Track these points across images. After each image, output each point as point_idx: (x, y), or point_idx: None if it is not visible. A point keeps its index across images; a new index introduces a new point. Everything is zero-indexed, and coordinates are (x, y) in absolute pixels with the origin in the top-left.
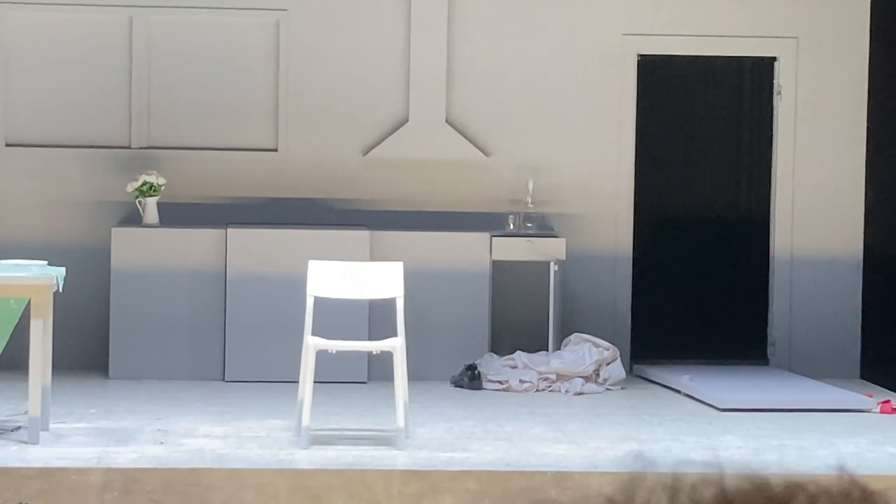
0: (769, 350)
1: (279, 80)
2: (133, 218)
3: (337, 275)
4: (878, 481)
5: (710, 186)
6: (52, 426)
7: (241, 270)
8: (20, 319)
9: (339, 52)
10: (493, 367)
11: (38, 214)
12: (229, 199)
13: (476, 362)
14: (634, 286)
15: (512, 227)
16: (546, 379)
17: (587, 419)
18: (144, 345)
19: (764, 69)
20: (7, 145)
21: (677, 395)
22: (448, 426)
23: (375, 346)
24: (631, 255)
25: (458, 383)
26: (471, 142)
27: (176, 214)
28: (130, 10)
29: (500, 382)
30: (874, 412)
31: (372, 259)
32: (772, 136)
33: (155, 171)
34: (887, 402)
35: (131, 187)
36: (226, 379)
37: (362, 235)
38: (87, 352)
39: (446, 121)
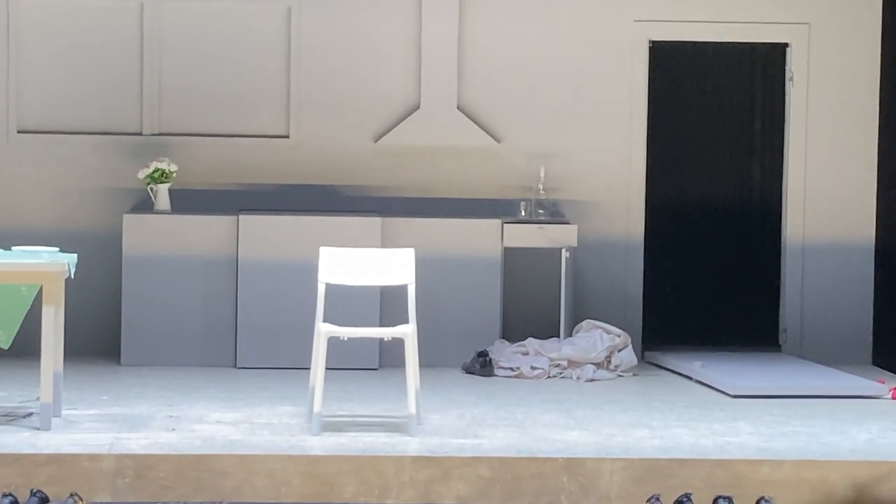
0: (781, 337)
1: (290, 66)
2: (145, 204)
3: (348, 261)
4: (889, 468)
5: (722, 173)
6: (64, 412)
7: (253, 257)
8: (32, 306)
9: (350, 39)
10: (504, 353)
11: (50, 201)
12: (241, 185)
13: (487, 349)
14: (646, 273)
15: (523, 213)
16: (558, 366)
17: (598, 406)
18: (156, 331)
19: (776, 55)
20: (19, 132)
21: (689, 381)
22: (459, 413)
23: (387, 333)
24: (642, 242)
25: (469, 370)
26: (482, 128)
27: (187, 201)
28: None
29: (512, 369)
30: (886, 398)
31: (383, 246)
32: (784, 122)
33: (166, 158)
34: None
35: (143, 174)
36: (237, 365)
37: (374, 222)
38: (98, 338)
39: (457, 107)
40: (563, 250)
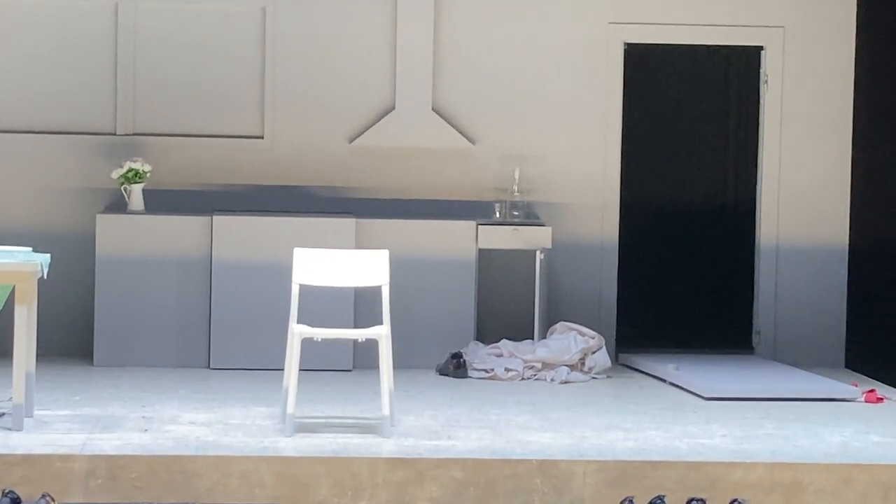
0: (754, 339)
1: (265, 67)
2: (118, 205)
3: (322, 262)
4: (862, 471)
5: (697, 175)
6: (36, 413)
7: (227, 258)
8: (4, 306)
9: (326, 39)
10: (478, 355)
11: (23, 201)
12: (215, 186)
13: (461, 350)
14: (620, 275)
15: (498, 215)
16: (531, 367)
17: (572, 408)
18: (129, 332)
19: (750, 58)
20: None
21: (663, 383)
22: (433, 414)
23: (361, 334)
24: (617, 244)
25: (443, 371)
26: (457, 130)
27: (161, 201)
28: None
29: (486, 371)
30: (859, 401)
31: (357, 247)
32: (758, 125)
33: (140, 158)
34: (872, 391)
35: (117, 174)
36: (211, 366)
37: (348, 223)
38: (71, 339)
39: (432, 109)
40: (538, 252)
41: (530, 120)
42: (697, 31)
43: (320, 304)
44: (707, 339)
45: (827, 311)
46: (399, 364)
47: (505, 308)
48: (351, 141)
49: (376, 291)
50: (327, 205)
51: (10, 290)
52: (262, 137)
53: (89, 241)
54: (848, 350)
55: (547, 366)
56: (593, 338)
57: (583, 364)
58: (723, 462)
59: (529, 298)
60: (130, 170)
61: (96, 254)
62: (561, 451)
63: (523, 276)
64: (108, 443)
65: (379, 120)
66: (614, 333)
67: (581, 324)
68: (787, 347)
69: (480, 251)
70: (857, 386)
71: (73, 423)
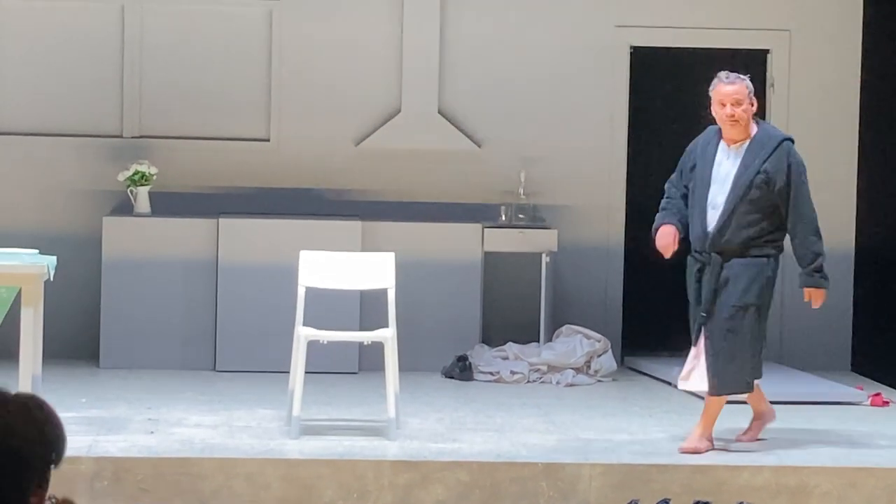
0: None
1: (271, 69)
2: (124, 207)
3: (328, 265)
4: (867, 474)
5: None
6: None
7: (233, 260)
8: (11, 308)
9: (332, 42)
10: (484, 358)
11: (30, 203)
12: (221, 188)
13: (467, 353)
14: (626, 278)
15: (504, 218)
16: (537, 370)
17: (578, 411)
18: (135, 334)
19: (757, 62)
20: None
21: (668, 386)
22: (439, 417)
23: (367, 337)
24: (623, 247)
25: (449, 374)
26: (463, 133)
27: (167, 204)
28: None
29: (492, 374)
30: (865, 405)
31: (363, 249)
32: None
33: (147, 161)
34: (878, 394)
35: (123, 176)
36: (217, 369)
37: (354, 226)
38: (77, 341)
39: (439, 111)
40: (544, 255)
41: (536, 123)
42: (703, 35)
43: (326, 307)
44: None
45: (833, 314)
46: (405, 367)
47: (510, 311)
48: (357, 143)
49: (382, 294)
50: (333, 207)
51: (16, 293)
52: (269, 140)
53: (95, 243)
54: (853, 353)
55: (552, 369)
56: (599, 341)
57: (588, 367)
58: (728, 465)
59: (535, 301)
60: (137, 172)
61: (102, 256)
62: (566, 454)
63: (529, 278)
64: (114, 445)
65: (385, 122)
66: (620, 336)
67: (587, 327)
68: (792, 351)
69: (486, 254)
70: (862, 389)
71: (79, 424)
